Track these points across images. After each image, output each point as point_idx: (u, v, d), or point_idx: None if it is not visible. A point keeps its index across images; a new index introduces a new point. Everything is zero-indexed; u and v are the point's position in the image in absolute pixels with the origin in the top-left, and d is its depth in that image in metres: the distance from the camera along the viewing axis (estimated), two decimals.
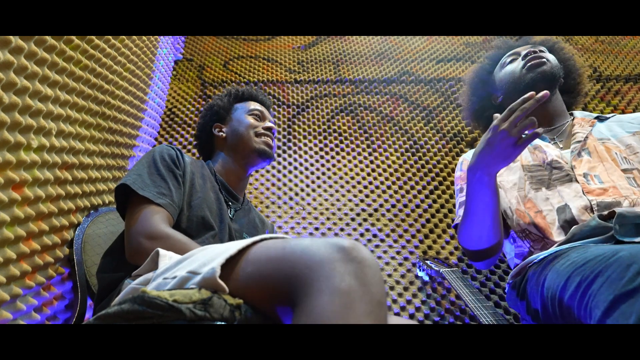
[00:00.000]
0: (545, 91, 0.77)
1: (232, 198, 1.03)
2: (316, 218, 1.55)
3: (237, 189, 1.07)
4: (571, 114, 1.12)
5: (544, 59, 1.09)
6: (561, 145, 1.03)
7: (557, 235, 0.90)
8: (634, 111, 1.87)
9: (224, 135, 1.10)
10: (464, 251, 1.04)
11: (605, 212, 0.83)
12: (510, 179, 1.04)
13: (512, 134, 0.79)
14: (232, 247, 0.55)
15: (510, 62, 1.17)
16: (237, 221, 1.00)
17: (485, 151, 0.83)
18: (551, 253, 0.85)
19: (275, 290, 0.49)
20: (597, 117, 1.07)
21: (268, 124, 1.11)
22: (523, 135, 0.80)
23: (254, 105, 1.14)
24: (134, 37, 1.40)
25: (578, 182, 0.93)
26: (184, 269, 0.55)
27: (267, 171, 1.69)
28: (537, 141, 1.06)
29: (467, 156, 1.19)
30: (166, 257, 0.65)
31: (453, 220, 1.13)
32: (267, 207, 1.58)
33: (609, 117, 1.06)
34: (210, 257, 0.55)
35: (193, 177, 0.93)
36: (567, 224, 0.89)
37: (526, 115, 0.78)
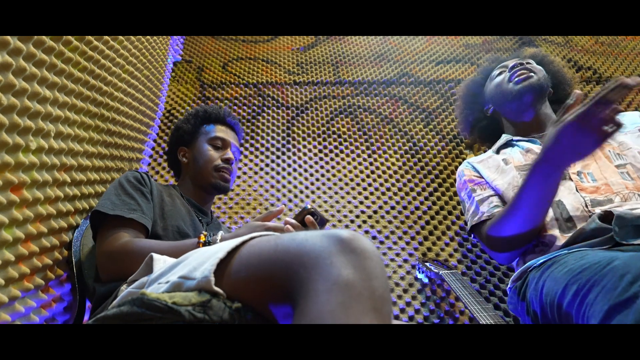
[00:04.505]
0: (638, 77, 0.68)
1: (202, 214, 1.10)
2: None
3: (205, 207, 1.14)
4: None
5: (531, 72, 1.14)
6: None
7: (550, 228, 0.91)
8: None
9: (187, 161, 1.15)
10: (490, 242, 0.98)
11: (603, 212, 0.84)
12: (504, 181, 1.05)
13: (593, 128, 0.69)
14: (221, 250, 0.52)
15: (498, 74, 1.23)
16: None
17: (559, 146, 0.75)
18: (550, 257, 0.85)
19: (272, 292, 0.47)
20: None
21: (227, 154, 1.12)
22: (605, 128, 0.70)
23: (217, 130, 1.15)
24: (133, 38, 1.39)
25: (572, 180, 0.94)
26: (176, 274, 0.54)
27: (267, 173, 1.69)
28: (528, 145, 1.08)
29: (472, 160, 1.21)
30: (160, 261, 0.64)
31: (466, 222, 1.12)
32: (266, 208, 1.58)
33: None
34: (201, 260, 0.53)
35: (161, 194, 1.00)
36: (564, 220, 0.90)
37: (611, 108, 0.68)
